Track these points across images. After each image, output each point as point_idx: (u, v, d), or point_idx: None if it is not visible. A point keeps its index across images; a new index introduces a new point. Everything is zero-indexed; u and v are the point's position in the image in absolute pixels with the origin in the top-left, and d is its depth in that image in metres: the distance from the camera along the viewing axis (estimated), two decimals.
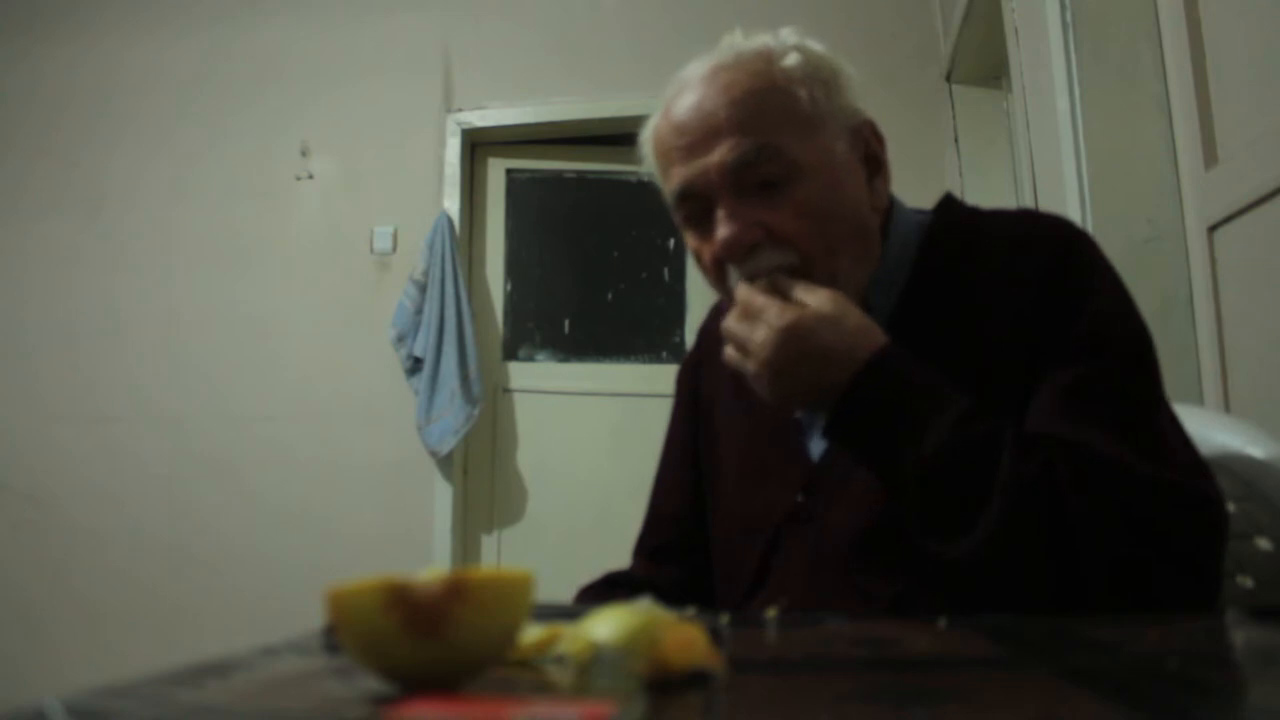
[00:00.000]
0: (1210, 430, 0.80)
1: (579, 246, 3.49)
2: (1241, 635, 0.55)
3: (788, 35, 0.88)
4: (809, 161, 0.83)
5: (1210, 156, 1.36)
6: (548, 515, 3.22)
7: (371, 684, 0.43)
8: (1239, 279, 1.32)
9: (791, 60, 0.85)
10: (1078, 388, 0.77)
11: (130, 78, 3.49)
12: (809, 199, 0.83)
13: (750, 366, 0.80)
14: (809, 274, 0.83)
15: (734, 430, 0.99)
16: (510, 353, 3.39)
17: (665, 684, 0.42)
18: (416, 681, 0.41)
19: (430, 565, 0.45)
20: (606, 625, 0.45)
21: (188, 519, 3.19)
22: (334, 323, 3.27)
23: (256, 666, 0.49)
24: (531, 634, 0.48)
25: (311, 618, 0.49)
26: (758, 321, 0.79)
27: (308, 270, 3.32)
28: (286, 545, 3.10)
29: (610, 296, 3.44)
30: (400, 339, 3.15)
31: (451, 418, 3.06)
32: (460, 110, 3.35)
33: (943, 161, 3.05)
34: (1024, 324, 0.81)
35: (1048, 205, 2.12)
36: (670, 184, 0.87)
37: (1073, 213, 1.90)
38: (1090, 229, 1.87)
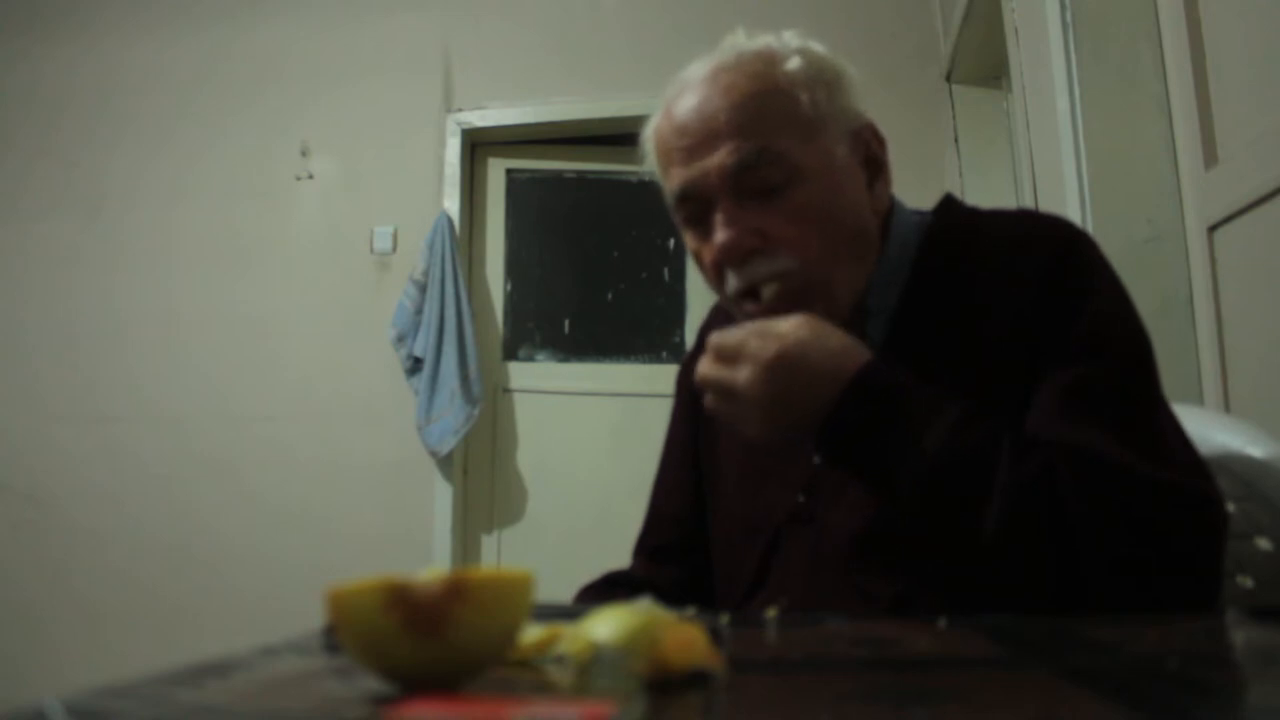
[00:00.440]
0: (1210, 430, 0.80)
1: (579, 246, 3.49)
2: (1241, 635, 0.55)
3: (790, 37, 0.88)
4: (809, 165, 0.83)
5: (1210, 156, 1.36)
6: (548, 515, 3.22)
7: (371, 684, 0.43)
8: (1239, 279, 1.32)
9: (793, 63, 0.85)
10: (1077, 388, 0.77)
11: (130, 78, 3.49)
12: (808, 203, 0.83)
13: (739, 408, 0.77)
14: (806, 279, 0.83)
15: (733, 432, 0.98)
16: (510, 353, 3.39)
17: (665, 684, 0.42)
18: (416, 681, 0.41)
19: (430, 565, 0.45)
20: (606, 625, 0.45)
21: (188, 519, 3.19)
22: (334, 323, 3.27)
23: (256, 666, 0.49)
24: (531, 634, 0.48)
25: (311, 618, 0.49)
26: (739, 361, 0.76)
27: (308, 270, 3.32)
28: (286, 545, 3.10)
29: (610, 296, 3.44)
30: (400, 339, 3.15)
31: (451, 418, 3.06)
32: (460, 110, 3.35)
33: (943, 161, 3.05)
34: (1024, 324, 0.82)
35: (1048, 205, 2.12)
36: (670, 184, 0.87)
37: (1073, 213, 1.90)
38: (1090, 229, 1.87)
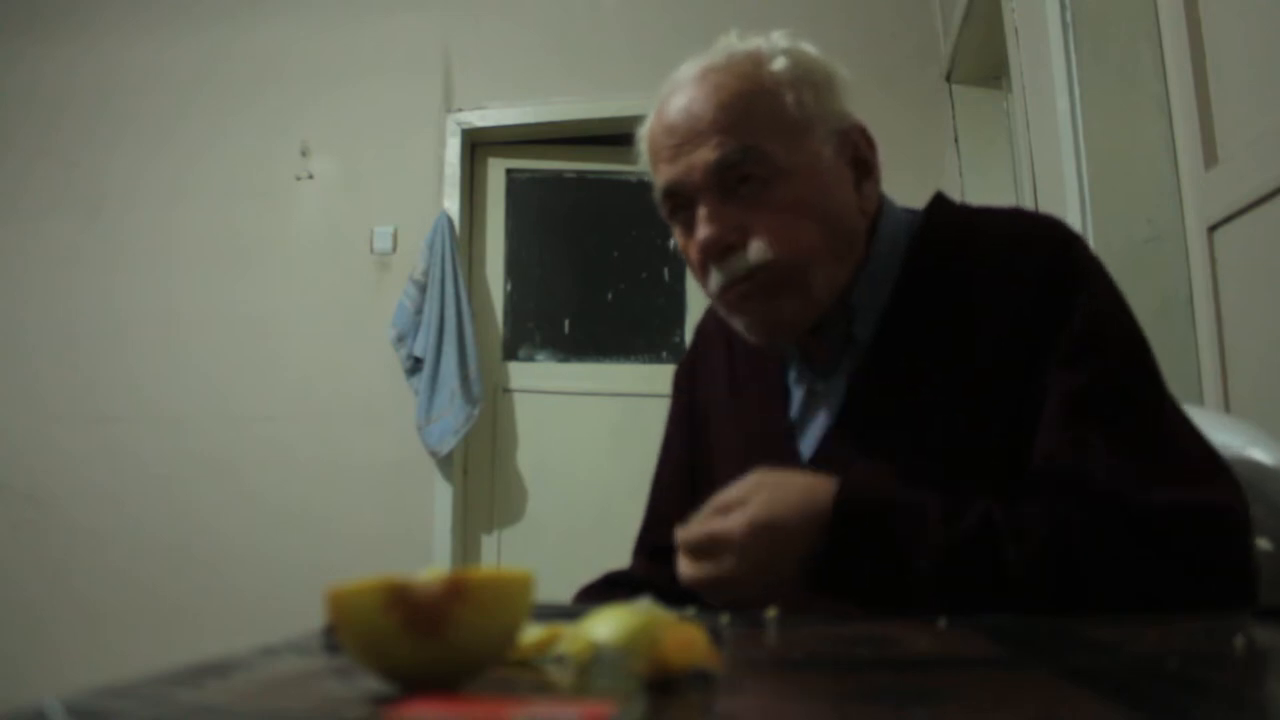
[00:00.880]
0: (1210, 430, 0.80)
1: (579, 246, 3.49)
2: (1241, 635, 0.55)
3: (779, 38, 0.89)
4: (793, 164, 0.84)
5: (1210, 156, 1.36)
6: (548, 515, 3.22)
7: (371, 684, 0.43)
8: (1239, 279, 1.32)
9: (780, 63, 0.86)
10: (1079, 402, 0.77)
11: (130, 78, 3.49)
12: (791, 201, 0.84)
13: (738, 590, 0.76)
14: (780, 272, 0.84)
15: (728, 431, 0.99)
16: (510, 353, 3.39)
17: (665, 684, 0.42)
18: (416, 681, 0.41)
19: (430, 565, 0.45)
20: (606, 625, 0.45)
21: (188, 519, 3.19)
22: (334, 323, 3.27)
23: (256, 666, 0.49)
24: (531, 634, 0.48)
25: (311, 618, 0.49)
26: (719, 553, 0.76)
27: (308, 270, 3.32)
28: (286, 545, 3.10)
29: (610, 296, 3.44)
30: (400, 339, 3.15)
31: (451, 418, 3.06)
32: (460, 110, 3.35)
33: (943, 161, 3.05)
34: (1020, 323, 0.82)
35: (1047, 205, 2.12)
36: (658, 181, 0.88)
37: (1073, 213, 1.90)
38: (1090, 229, 1.88)
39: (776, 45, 0.88)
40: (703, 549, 0.77)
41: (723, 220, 0.84)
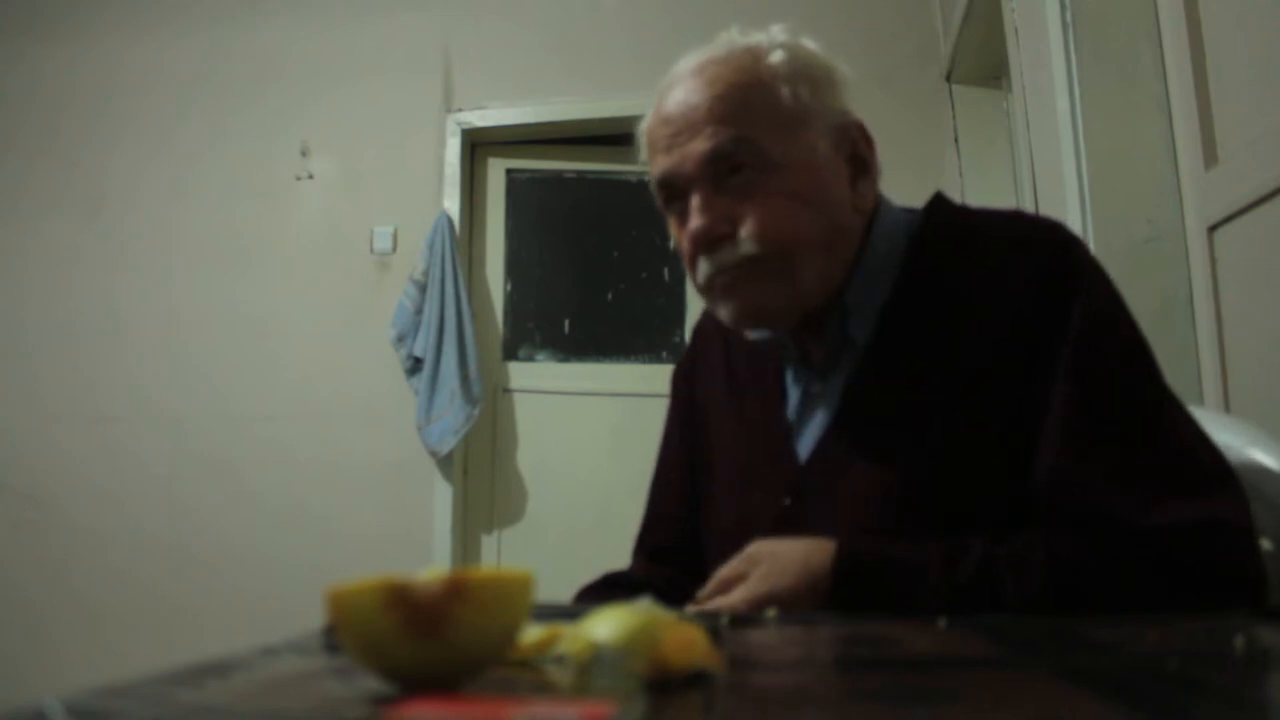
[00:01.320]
0: (1210, 430, 0.80)
1: (579, 246, 3.49)
2: (1241, 635, 0.55)
3: (777, 33, 0.90)
4: (786, 157, 0.85)
5: (1210, 156, 1.36)
6: (548, 515, 3.22)
7: (371, 684, 0.43)
8: (1239, 279, 1.32)
9: (777, 57, 0.87)
10: (1079, 416, 0.78)
11: (130, 78, 3.49)
12: (783, 193, 0.84)
13: (772, 590, 0.77)
14: (767, 264, 0.84)
15: (726, 431, 0.99)
16: (510, 353, 3.39)
17: (665, 684, 0.42)
18: (416, 681, 0.41)
19: (430, 565, 0.45)
20: (606, 625, 0.45)
21: (188, 519, 3.19)
22: (334, 323, 3.27)
23: (256, 666, 0.49)
24: (531, 634, 0.48)
25: (311, 618, 0.49)
26: (736, 581, 0.79)
27: (308, 270, 3.32)
28: (286, 545, 3.10)
29: (610, 296, 3.44)
30: (400, 339, 3.15)
31: (451, 418, 3.06)
32: (460, 110, 3.35)
33: (943, 161, 3.05)
34: (1021, 324, 0.82)
35: (1047, 205, 2.12)
36: (654, 172, 0.89)
37: (1073, 213, 1.90)
38: (1090, 229, 1.87)
39: (775, 40, 0.89)
40: (726, 585, 0.80)
41: (714, 210, 0.85)
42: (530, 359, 3.40)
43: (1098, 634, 0.59)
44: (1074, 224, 1.85)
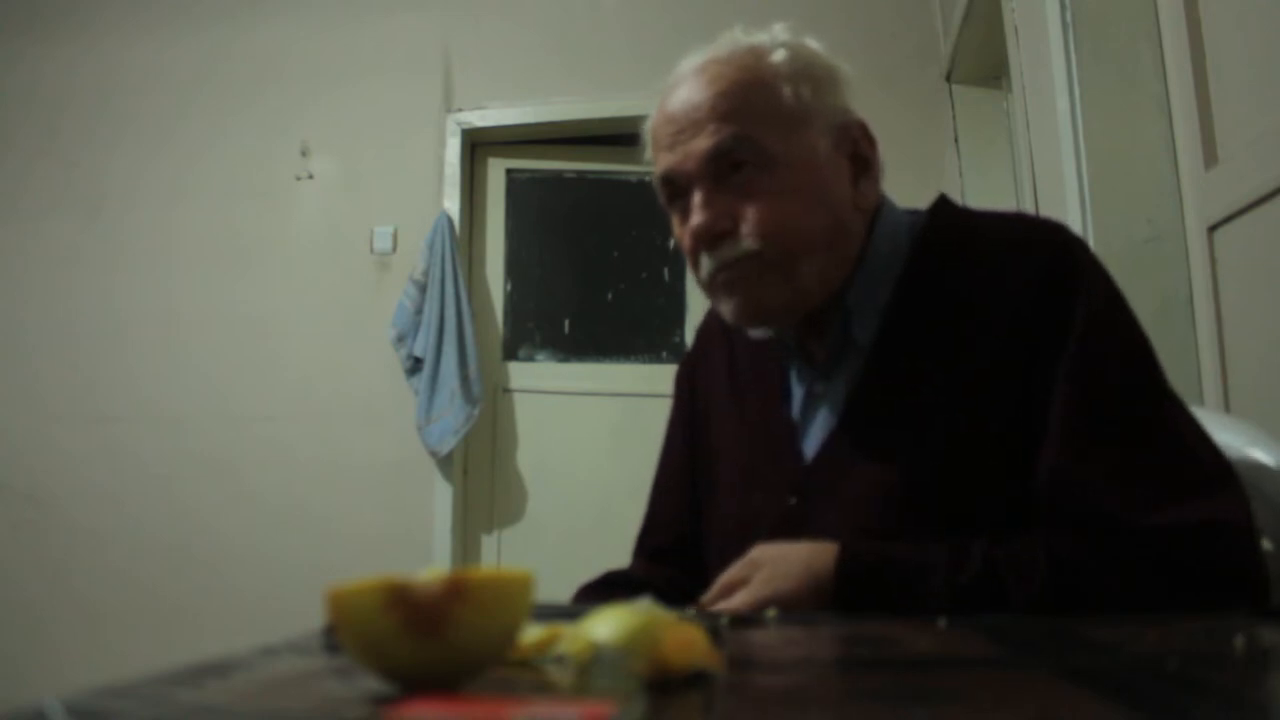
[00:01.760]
0: (1210, 430, 0.80)
1: (579, 246, 3.49)
2: (1241, 635, 0.55)
3: (780, 32, 0.91)
4: (787, 155, 0.85)
5: (1210, 156, 1.36)
6: (548, 515, 3.22)
7: (371, 684, 0.43)
8: (1239, 279, 1.32)
9: (779, 56, 0.88)
10: (1080, 417, 0.78)
11: (130, 78, 3.49)
12: (783, 191, 0.85)
13: (773, 589, 0.78)
14: (767, 261, 0.85)
15: (729, 431, 0.99)
16: (510, 353, 3.39)
17: (665, 684, 0.42)
18: (416, 681, 0.41)
19: (430, 565, 0.45)
20: (606, 625, 0.45)
21: (188, 519, 3.19)
22: (334, 323, 3.27)
23: (256, 666, 0.49)
24: (531, 634, 0.48)
25: (311, 618, 0.49)
26: (738, 584, 0.79)
27: (308, 270, 3.32)
28: (286, 545, 3.09)
29: (610, 296, 3.44)
30: (400, 339, 3.15)
31: (451, 418, 3.06)
32: (460, 110, 3.35)
33: (943, 161, 3.05)
34: (1022, 324, 0.82)
35: (1047, 205, 2.12)
36: (656, 169, 0.90)
37: (1073, 213, 1.90)
38: (1090, 229, 1.87)
39: (778, 39, 0.89)
40: (730, 588, 0.80)
41: (715, 207, 0.85)
42: (530, 359, 3.40)
43: (1098, 634, 0.59)
44: (1074, 224, 1.85)
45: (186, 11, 3.52)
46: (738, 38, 0.90)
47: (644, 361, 3.36)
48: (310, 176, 3.38)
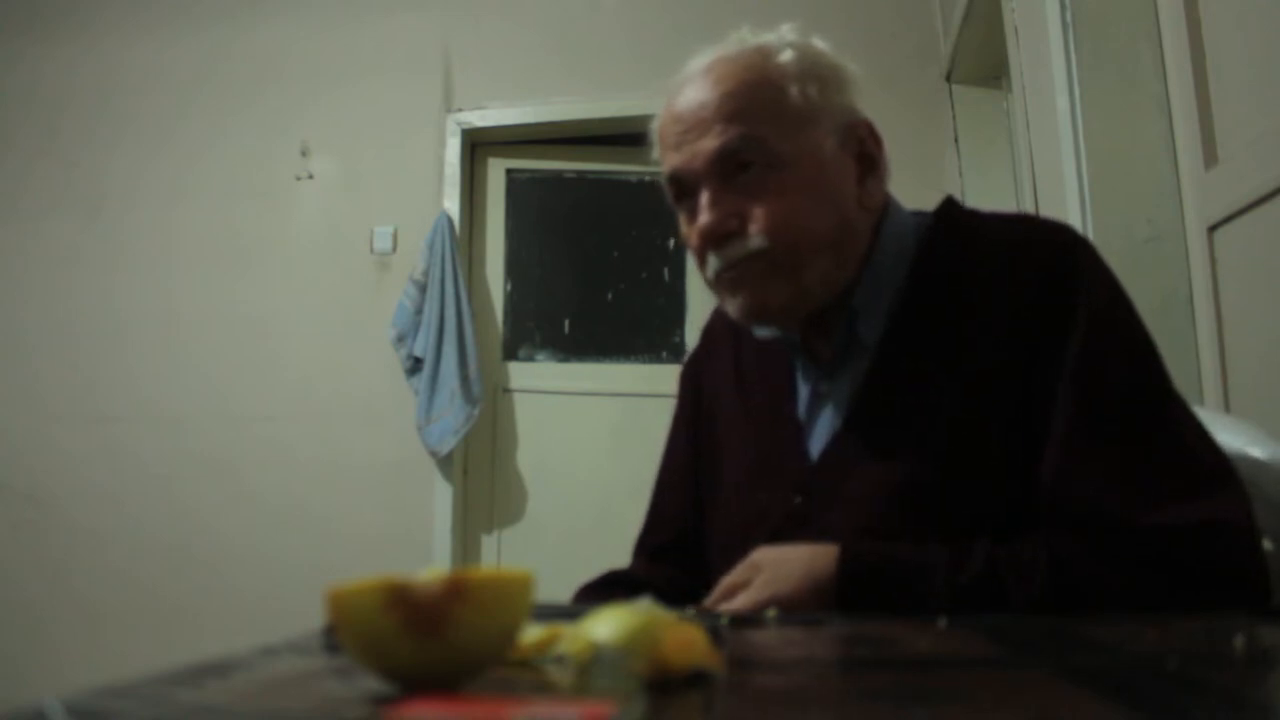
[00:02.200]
0: (1210, 430, 0.80)
1: (579, 246, 3.49)
2: (1241, 635, 0.55)
3: (787, 32, 0.91)
4: (794, 154, 0.86)
5: (1210, 156, 1.36)
6: (548, 515, 3.22)
7: (371, 684, 0.43)
8: (1239, 279, 1.32)
9: (786, 56, 0.88)
10: (1083, 418, 0.78)
11: (130, 78, 3.49)
12: (790, 190, 0.85)
13: (773, 589, 0.78)
14: (773, 260, 0.85)
15: (734, 430, 0.99)
16: (510, 353, 3.39)
17: (665, 684, 0.42)
18: (416, 681, 0.41)
19: (430, 565, 0.45)
20: (606, 625, 0.45)
21: (188, 519, 3.19)
22: (334, 323, 3.27)
23: (256, 666, 0.49)
24: (531, 634, 0.48)
25: (311, 618, 0.49)
26: (739, 587, 0.80)
27: (308, 270, 3.32)
28: (286, 545, 3.09)
29: (610, 296, 3.44)
30: (400, 339, 3.15)
31: (451, 418, 3.06)
32: (460, 110, 3.35)
33: (943, 161, 3.05)
34: (1025, 324, 0.82)
35: (1047, 205, 2.12)
36: (664, 168, 0.90)
37: (1073, 213, 1.90)
38: (1090, 229, 1.87)
39: (785, 39, 0.90)
40: (731, 591, 0.80)
41: (723, 207, 0.86)
42: (530, 359, 3.40)
43: (1098, 634, 0.59)
44: (1074, 224, 1.85)
45: (186, 11, 3.52)
46: (745, 38, 0.90)
47: (644, 361, 3.36)
48: (310, 176, 3.38)
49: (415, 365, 3.14)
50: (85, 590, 3.17)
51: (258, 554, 3.11)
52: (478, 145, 3.44)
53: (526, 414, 3.31)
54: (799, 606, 0.75)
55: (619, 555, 1.07)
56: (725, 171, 0.86)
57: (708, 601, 0.81)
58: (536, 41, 3.35)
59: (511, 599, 0.42)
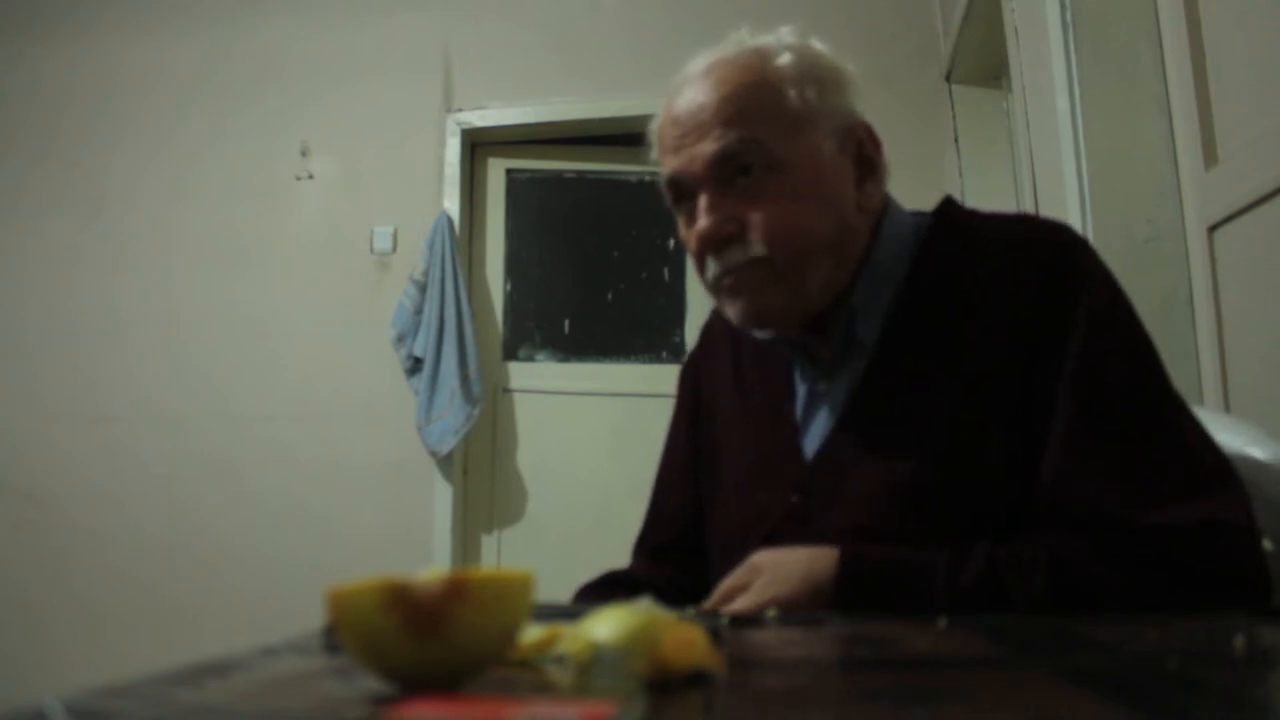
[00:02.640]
0: (1210, 430, 0.80)
1: (579, 246, 3.49)
2: (1241, 635, 0.55)
3: (786, 34, 0.91)
4: (793, 157, 0.85)
5: (1210, 156, 1.36)
6: (548, 515, 3.22)
7: (371, 684, 0.43)
8: (1239, 279, 1.32)
9: (785, 59, 0.88)
10: (1083, 418, 0.78)
11: (130, 78, 3.49)
12: (788, 194, 0.85)
13: (772, 589, 0.78)
14: (774, 267, 0.85)
15: (733, 430, 0.99)
16: (510, 353, 3.39)
17: (665, 684, 0.42)
18: (416, 681, 0.41)
19: (430, 565, 0.45)
20: (606, 625, 0.45)
21: (188, 519, 3.19)
22: (334, 323, 3.27)
23: (256, 666, 0.49)
24: (531, 634, 0.48)
25: (311, 618, 0.49)
26: (739, 590, 0.80)
27: (308, 270, 3.32)
28: (286, 545, 3.09)
29: (610, 296, 3.44)
30: (400, 339, 3.15)
31: (451, 418, 3.06)
32: (460, 110, 3.35)
33: (943, 161, 3.05)
34: (1024, 324, 0.82)
35: (1047, 205, 2.12)
36: (663, 171, 0.90)
37: (1073, 213, 1.90)
38: (1090, 229, 1.87)
39: (784, 41, 0.90)
40: (730, 594, 0.80)
41: (721, 211, 0.85)
42: (530, 359, 3.40)
43: (1098, 634, 0.59)
44: (1074, 224, 1.85)
45: (186, 11, 3.52)
46: (744, 40, 0.90)
47: (644, 361, 3.36)
48: (310, 176, 3.38)
49: (415, 365, 3.14)
50: (85, 590, 3.17)
51: (258, 554, 3.11)
52: (478, 145, 3.44)
53: (526, 414, 3.31)
54: (798, 609, 0.75)
55: (619, 555, 1.07)
56: (724, 175, 0.85)
57: (707, 604, 0.81)
58: (536, 41, 3.35)
59: (511, 599, 0.42)
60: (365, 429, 3.20)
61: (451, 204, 3.28)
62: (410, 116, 3.35)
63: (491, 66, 3.37)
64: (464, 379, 3.08)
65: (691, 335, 3.20)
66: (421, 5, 3.40)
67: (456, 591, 0.40)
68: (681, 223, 0.91)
